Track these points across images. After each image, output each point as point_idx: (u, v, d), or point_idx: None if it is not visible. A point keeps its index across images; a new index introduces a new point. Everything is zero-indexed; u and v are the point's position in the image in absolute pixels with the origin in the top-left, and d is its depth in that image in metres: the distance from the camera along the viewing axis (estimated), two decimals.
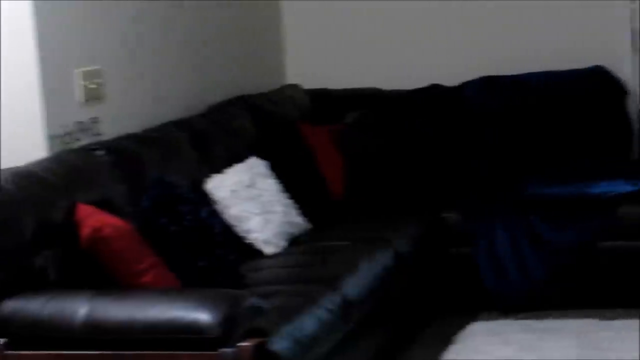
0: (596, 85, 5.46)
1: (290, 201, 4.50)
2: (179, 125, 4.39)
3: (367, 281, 3.94)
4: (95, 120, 4.02)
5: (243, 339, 2.92)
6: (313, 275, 3.87)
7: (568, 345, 4.34)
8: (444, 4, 5.73)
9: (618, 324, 4.55)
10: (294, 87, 5.75)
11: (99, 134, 4.02)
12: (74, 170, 3.54)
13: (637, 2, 5.48)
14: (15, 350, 3.03)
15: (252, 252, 4.17)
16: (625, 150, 5.43)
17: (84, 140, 3.90)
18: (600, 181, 4.95)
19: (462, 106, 5.51)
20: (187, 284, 3.35)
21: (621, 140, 5.43)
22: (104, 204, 3.43)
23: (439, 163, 5.28)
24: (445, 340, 4.49)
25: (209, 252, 3.59)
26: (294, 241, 4.38)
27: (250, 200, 4.26)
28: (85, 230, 3.21)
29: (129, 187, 3.71)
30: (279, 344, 3.06)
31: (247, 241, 4.18)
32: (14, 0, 3.63)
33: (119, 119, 4.17)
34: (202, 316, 2.88)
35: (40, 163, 3.50)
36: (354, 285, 3.81)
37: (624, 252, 4.75)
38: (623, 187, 4.87)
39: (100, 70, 4.09)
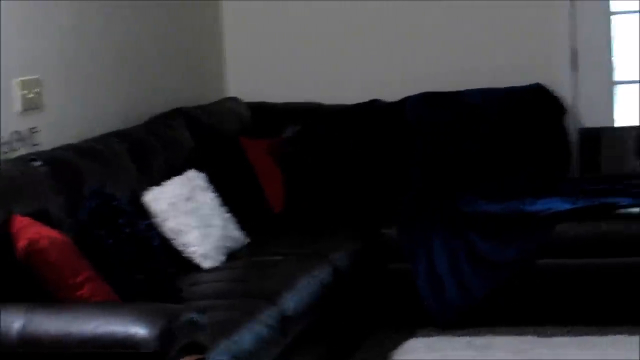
0: (535, 102, 5.54)
1: (229, 215, 4.51)
2: (118, 136, 4.37)
3: (305, 296, 3.96)
4: (33, 130, 4.00)
5: (180, 354, 2.90)
6: (251, 290, 3.89)
7: None
8: (385, 20, 5.79)
9: (556, 340, 4.63)
10: (234, 100, 5.76)
11: (37, 144, 3.99)
12: (10, 181, 3.50)
13: (576, 20, 5.57)
14: None
15: (190, 266, 4.16)
16: (564, 168, 5.51)
17: (22, 151, 3.87)
18: (538, 199, 5.02)
19: (402, 122, 5.55)
20: (124, 297, 3.34)
21: (559, 158, 5.51)
22: (41, 216, 3.40)
23: (379, 178, 5.31)
24: (383, 356, 4.53)
25: (147, 266, 3.59)
26: (233, 255, 4.39)
27: (189, 213, 4.26)
28: (21, 243, 3.19)
29: (66, 199, 3.69)
30: (217, 359, 3.06)
31: (185, 255, 4.18)
32: None
33: (58, 129, 4.16)
34: (138, 331, 2.85)
35: None
36: (292, 300, 3.83)
37: (561, 269, 4.83)
38: (561, 204, 4.93)
39: (39, 79, 4.07)
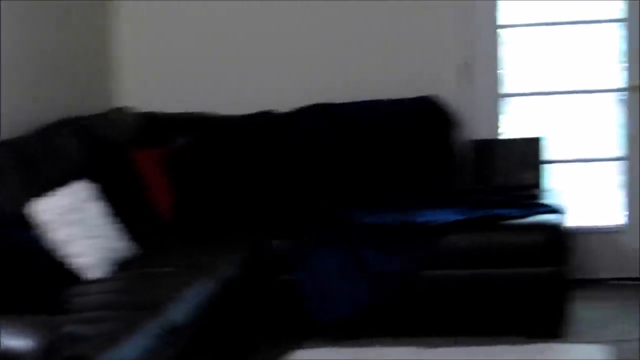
0: (423, 115, 5.63)
1: (117, 225, 4.49)
2: (4, 146, 4.32)
3: (192, 307, 3.96)
4: None
5: None
6: (138, 300, 3.88)
7: None
8: (277, 31, 5.85)
9: (442, 351, 4.69)
10: (124, 109, 5.73)
11: None
12: None
13: (465, 34, 5.69)
14: None
15: (76, 277, 4.13)
16: (451, 180, 5.59)
17: None
18: (427, 210, 5.10)
19: (294, 133, 5.59)
20: (4, 310, 3.29)
21: (447, 170, 5.60)
22: None
23: (269, 189, 5.34)
24: None
25: (30, 277, 3.55)
26: (120, 266, 4.36)
27: (76, 224, 4.22)
28: None
29: None
30: None
31: (72, 266, 4.14)
32: None
33: None
34: (19, 343, 2.82)
35: None
36: (179, 311, 3.83)
37: (449, 280, 4.91)
38: (449, 216, 5.01)
39: None
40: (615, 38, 5.76)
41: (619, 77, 5.77)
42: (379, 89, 5.71)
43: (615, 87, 5.80)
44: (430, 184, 5.48)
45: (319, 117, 5.65)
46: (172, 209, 5.15)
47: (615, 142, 5.83)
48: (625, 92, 5.75)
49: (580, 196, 5.85)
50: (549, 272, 4.84)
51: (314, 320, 4.82)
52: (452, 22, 5.73)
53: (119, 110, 5.71)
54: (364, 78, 5.78)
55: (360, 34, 5.80)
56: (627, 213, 5.85)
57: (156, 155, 5.26)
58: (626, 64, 5.73)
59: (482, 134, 5.74)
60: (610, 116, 5.83)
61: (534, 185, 5.49)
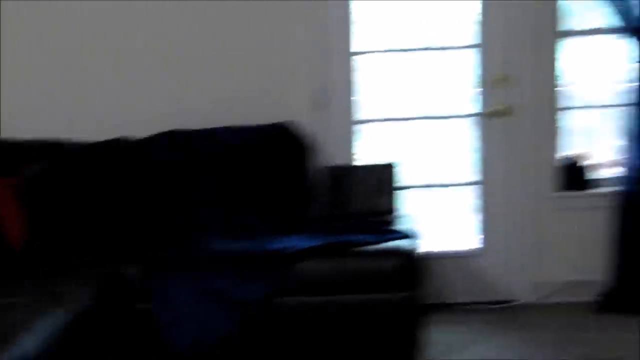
0: (278, 141, 5.66)
1: None
2: None
3: (44, 338, 3.89)
4: None
5: None
6: None
7: None
8: (128, 56, 5.82)
9: None
10: None
11: None
12: None
13: (319, 61, 5.76)
14: None
15: None
16: (306, 207, 5.64)
17: None
18: (282, 237, 5.13)
19: (147, 160, 5.56)
20: None
21: (302, 197, 5.65)
22: None
23: (122, 217, 5.29)
24: None
25: None
26: None
27: None
28: None
29: None
30: None
31: None
32: None
33: None
34: None
35: None
36: (29, 342, 3.76)
37: (305, 307, 4.90)
38: (305, 242, 5.02)
39: None
40: (470, 64, 5.89)
41: (474, 103, 5.91)
42: (234, 116, 5.74)
43: (470, 112, 5.93)
44: (286, 211, 5.51)
45: (174, 143, 5.62)
46: (24, 238, 5.05)
47: (470, 167, 5.95)
48: (480, 118, 5.88)
49: (436, 221, 5.98)
50: (403, 298, 4.88)
51: (171, 350, 4.77)
52: (306, 48, 5.80)
53: None
54: (217, 104, 5.82)
55: (217, 60, 5.83)
56: (482, 237, 5.99)
57: (6, 183, 5.16)
58: (481, 90, 5.85)
59: (338, 160, 5.83)
60: (465, 141, 5.97)
61: (389, 210, 5.58)
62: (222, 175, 5.56)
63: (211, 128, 5.65)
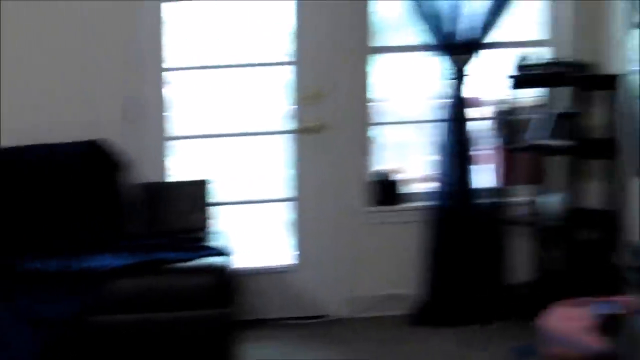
0: (89, 159, 5.57)
1: None
2: None
3: None
4: None
5: None
6: None
7: None
8: None
9: None
10: None
11: None
12: None
13: (130, 76, 5.70)
14: None
15: None
16: (118, 225, 5.56)
17: None
18: (92, 255, 5.05)
19: None
20: None
21: (114, 215, 5.57)
22: None
23: None
24: None
25: None
26: None
27: None
28: None
29: None
30: None
31: None
32: None
33: None
34: None
35: None
36: None
37: (117, 325, 4.85)
38: (116, 261, 4.98)
39: None
40: (284, 80, 5.94)
41: (288, 119, 5.95)
42: (46, 133, 5.60)
43: (283, 129, 5.98)
44: (97, 229, 5.43)
45: None
46: None
47: (284, 183, 5.99)
48: (293, 134, 5.93)
49: (251, 237, 6.01)
50: (217, 314, 4.90)
51: None
52: (117, 64, 5.74)
53: None
54: (28, 122, 5.67)
55: (24, 74, 5.68)
56: (297, 253, 6.03)
57: None
58: (294, 106, 5.91)
59: (151, 177, 5.78)
60: (280, 157, 6.02)
61: (203, 227, 5.59)
62: (37, 193, 5.42)
63: (24, 145, 5.52)
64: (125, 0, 5.69)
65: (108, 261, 4.95)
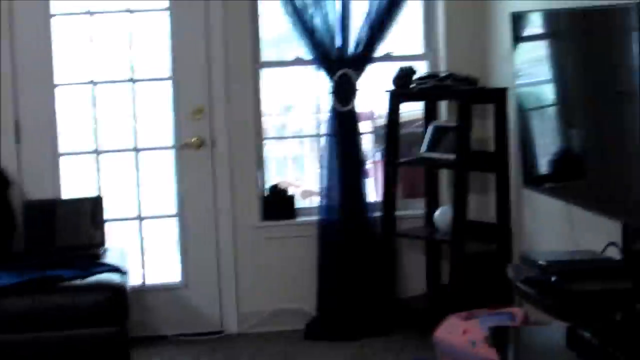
0: None
1: None
2: None
3: None
4: None
5: None
6: None
7: None
8: None
9: None
10: None
11: None
12: None
13: (18, 93, 5.61)
14: None
15: None
16: (8, 243, 5.49)
17: None
18: None
19: None
20: None
21: (3, 233, 5.49)
22: None
23: None
24: None
25: None
26: None
27: None
28: None
29: None
30: None
31: None
32: None
33: None
34: None
35: None
36: None
37: (11, 344, 4.79)
38: (4, 279, 4.91)
39: None
40: (167, 96, 5.92)
41: (174, 135, 5.94)
42: None
43: (170, 144, 5.97)
44: None
45: None
46: None
47: (173, 200, 5.97)
48: (179, 149, 5.93)
49: (143, 254, 5.96)
50: (111, 332, 4.91)
51: None
52: (5, 82, 5.64)
53: None
54: None
55: None
56: (188, 269, 6.01)
57: None
58: (180, 122, 5.92)
59: (41, 194, 5.70)
60: (169, 174, 6.00)
61: (96, 244, 5.54)
62: None
63: None
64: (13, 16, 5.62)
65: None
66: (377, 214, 5.89)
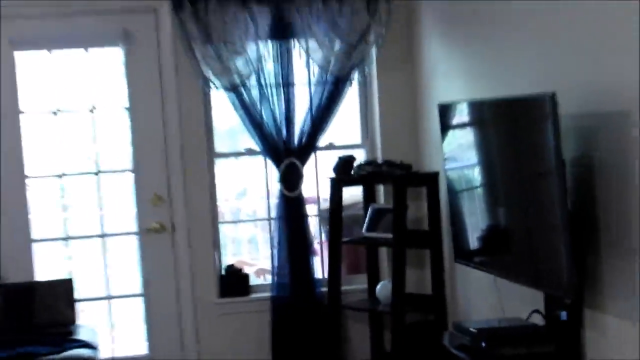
0: None
1: None
2: None
3: None
4: None
5: None
6: None
7: None
8: None
9: None
10: None
11: None
12: None
13: None
14: None
15: None
16: None
17: None
18: None
19: None
20: None
21: None
22: None
23: None
24: None
25: None
26: None
27: None
28: None
29: None
30: None
31: None
32: None
33: None
34: None
35: None
36: None
37: None
38: None
39: None
40: (129, 186, 5.94)
41: (136, 221, 5.95)
42: None
43: (131, 230, 5.97)
44: None
45: None
46: None
47: (138, 279, 5.95)
48: (141, 234, 5.94)
49: (111, 330, 5.92)
50: None
51: None
52: None
53: None
54: None
55: None
56: (149, 343, 5.97)
57: None
58: (138, 209, 5.93)
59: (16, 278, 5.66)
60: (131, 256, 5.99)
61: (69, 322, 5.52)
62: None
63: None
64: None
65: None
66: (324, 289, 5.87)
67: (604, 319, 3.66)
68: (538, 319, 4.03)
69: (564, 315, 3.82)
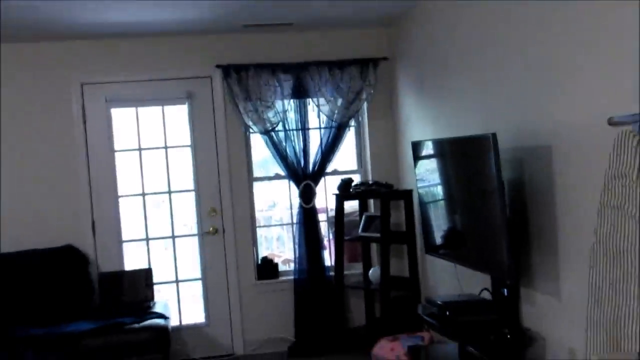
0: (67, 257, 5.38)
1: None
2: None
3: None
4: None
5: None
6: None
7: None
8: None
9: None
10: None
11: None
12: None
13: (93, 200, 5.53)
14: None
15: None
16: (88, 301, 5.37)
17: None
18: (70, 323, 4.89)
19: None
20: None
21: (85, 294, 5.37)
22: None
23: None
24: None
25: None
26: None
27: None
28: None
29: None
30: None
31: None
32: None
33: None
34: None
35: None
36: None
37: None
38: (86, 325, 4.81)
39: None
40: (192, 201, 5.82)
41: (198, 226, 5.83)
42: (26, 241, 5.37)
43: (194, 232, 5.83)
44: (72, 305, 5.23)
45: None
46: None
47: (197, 269, 5.86)
48: (202, 235, 5.80)
49: (178, 305, 5.84)
50: (158, 358, 4.80)
51: None
52: (84, 191, 5.56)
53: None
54: (20, 231, 5.39)
55: (24, 197, 5.44)
56: (206, 314, 5.87)
57: None
58: (198, 218, 5.79)
59: (110, 268, 5.60)
60: (193, 251, 5.88)
61: (148, 300, 5.42)
62: (28, 281, 5.17)
63: (19, 251, 5.29)
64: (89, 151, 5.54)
65: (82, 326, 4.80)
66: (332, 273, 5.82)
67: (535, 295, 3.61)
68: (487, 295, 3.97)
69: (505, 292, 3.78)
